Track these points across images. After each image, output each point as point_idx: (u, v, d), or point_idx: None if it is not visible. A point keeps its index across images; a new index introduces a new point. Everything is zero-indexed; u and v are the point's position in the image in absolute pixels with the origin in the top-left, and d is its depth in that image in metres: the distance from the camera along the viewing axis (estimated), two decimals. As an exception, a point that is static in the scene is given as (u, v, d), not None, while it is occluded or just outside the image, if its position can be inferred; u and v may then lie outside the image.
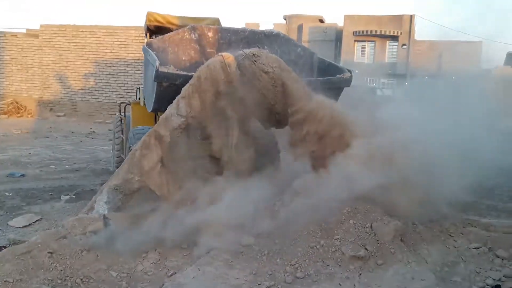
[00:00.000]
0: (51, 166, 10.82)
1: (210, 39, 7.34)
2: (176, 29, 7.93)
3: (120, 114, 9.89)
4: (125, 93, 22.04)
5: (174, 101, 5.73)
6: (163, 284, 4.30)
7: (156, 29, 8.78)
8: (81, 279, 4.37)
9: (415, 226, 5.43)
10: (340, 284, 4.33)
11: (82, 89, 22.53)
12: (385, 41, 40.85)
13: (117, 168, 8.53)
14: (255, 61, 5.67)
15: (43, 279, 4.21)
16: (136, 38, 21.84)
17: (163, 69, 5.93)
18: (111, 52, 22.13)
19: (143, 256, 4.89)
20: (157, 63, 5.86)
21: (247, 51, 5.83)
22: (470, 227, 5.72)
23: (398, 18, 39.65)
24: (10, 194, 7.88)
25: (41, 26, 22.44)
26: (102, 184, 8.88)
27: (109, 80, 22.35)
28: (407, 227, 5.35)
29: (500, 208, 6.59)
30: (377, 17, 39.96)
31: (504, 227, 5.69)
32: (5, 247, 5.42)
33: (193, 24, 7.50)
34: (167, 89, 6.03)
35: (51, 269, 4.39)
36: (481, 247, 5.26)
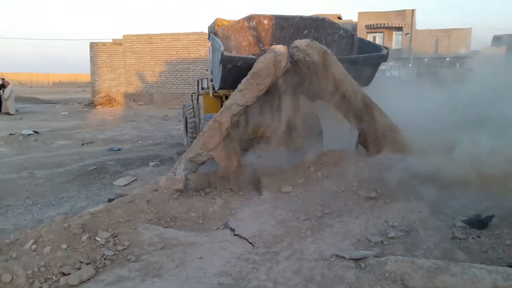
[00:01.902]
0: (139, 141, 11.32)
1: (266, 25, 6.94)
2: None
3: (193, 102, 9.92)
4: (188, 85, 22.36)
5: (233, 93, 5.62)
6: (228, 220, 4.52)
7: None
8: (170, 219, 4.61)
9: (414, 173, 5.35)
10: (357, 217, 4.46)
11: (156, 83, 22.99)
12: (391, 32, 39.67)
13: (191, 144, 9.07)
14: (308, 53, 5.33)
15: (144, 219, 4.48)
16: (195, 41, 22.02)
17: (227, 53, 5.71)
18: (177, 53, 22.40)
19: (212, 202, 5.11)
20: (222, 48, 5.65)
21: (300, 43, 5.42)
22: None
23: (402, 13, 38.39)
24: (112, 163, 8.36)
25: (124, 36, 22.89)
26: (178, 153, 9.34)
27: (176, 75, 22.70)
28: (408, 174, 5.31)
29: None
30: (384, 13, 38.82)
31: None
32: (113, 199, 5.84)
33: (251, 14, 7.06)
34: (231, 70, 5.77)
35: (149, 212, 4.64)
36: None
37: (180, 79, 22.60)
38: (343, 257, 3.50)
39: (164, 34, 22.51)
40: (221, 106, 8.02)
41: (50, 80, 63.58)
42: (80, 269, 3.44)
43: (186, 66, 22.34)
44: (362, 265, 3.39)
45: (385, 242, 3.92)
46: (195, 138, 8.96)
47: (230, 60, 5.71)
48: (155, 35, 22.59)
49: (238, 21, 6.95)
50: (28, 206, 6.02)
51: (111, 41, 23.75)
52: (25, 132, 12.35)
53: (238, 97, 5.54)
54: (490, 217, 4.34)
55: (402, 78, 31.41)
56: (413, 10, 38.11)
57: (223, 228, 4.33)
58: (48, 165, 8.36)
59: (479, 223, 4.26)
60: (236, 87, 6.95)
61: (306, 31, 6.97)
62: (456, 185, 5.19)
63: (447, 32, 38.43)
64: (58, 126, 14.56)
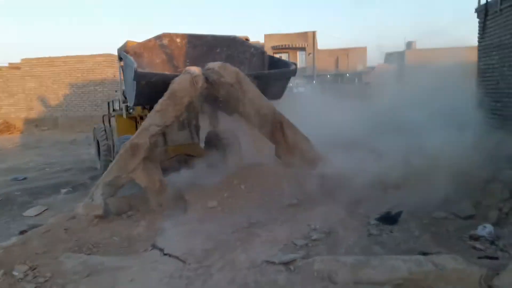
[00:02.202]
0: (46, 169, 10.51)
1: (178, 43, 6.92)
2: None
3: (104, 124, 9.50)
4: (96, 107, 21.34)
5: (151, 114, 5.57)
6: (155, 241, 4.44)
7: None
8: (92, 245, 4.43)
9: (329, 178, 5.72)
10: (282, 224, 4.66)
11: (60, 107, 21.58)
12: (296, 52, 41.97)
13: (105, 168, 7.99)
14: (222, 75, 5.52)
15: (64, 249, 4.25)
16: (101, 63, 21.18)
17: (140, 70, 5.65)
18: (82, 75, 21.31)
19: (135, 225, 4.99)
20: (135, 65, 5.58)
21: (213, 65, 5.63)
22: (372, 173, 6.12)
23: (304, 34, 41.03)
24: (19, 193, 7.67)
25: (22, 60, 21.22)
26: (90, 179, 8.91)
27: (83, 98, 21.54)
28: (324, 180, 5.69)
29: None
30: (288, 35, 41.20)
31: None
32: (26, 231, 5.40)
33: (163, 32, 6.94)
34: (145, 86, 5.71)
35: (68, 241, 4.43)
36: (376, 187, 5.64)
37: (87, 101, 21.48)
38: (273, 262, 3.65)
39: (67, 56, 21.27)
40: (136, 127, 7.90)
41: None
42: (-2, 308, 3.17)
43: (93, 88, 21.33)
44: (292, 267, 3.56)
45: (310, 244, 4.16)
46: (109, 161, 8.57)
47: (144, 76, 5.67)
48: (57, 57, 21.25)
49: (150, 40, 6.86)
50: None
51: (7, 65, 21.94)
52: None
53: (156, 118, 5.52)
54: (399, 213, 4.83)
55: (308, 94, 33.23)
56: (314, 32, 40.84)
57: (152, 249, 4.26)
58: None
59: (390, 219, 4.71)
60: (151, 103, 6.83)
61: (219, 49, 7.07)
62: (367, 187, 5.67)
63: (346, 51, 41.65)
64: (-51, 158, 13.00)
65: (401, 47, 40.91)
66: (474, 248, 4.11)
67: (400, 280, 3.15)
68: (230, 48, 7.06)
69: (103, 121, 9.66)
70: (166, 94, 5.51)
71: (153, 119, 5.53)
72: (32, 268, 3.79)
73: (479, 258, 3.71)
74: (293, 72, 6.59)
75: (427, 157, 5.84)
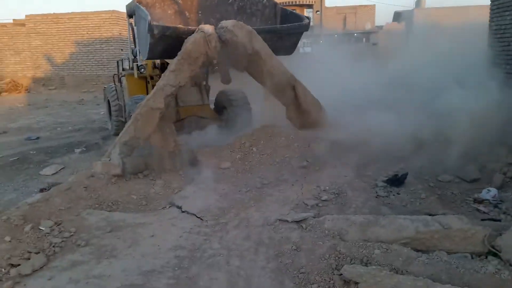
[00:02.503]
0: (58, 128, 10.66)
1: None
2: None
3: (115, 84, 9.38)
4: (103, 66, 21.31)
5: (165, 74, 5.58)
6: (172, 199, 4.63)
7: None
8: (112, 203, 4.60)
9: (338, 142, 5.89)
10: (293, 185, 4.86)
11: (67, 66, 21.50)
12: (303, 9, 40.97)
13: (116, 128, 8.79)
14: (235, 35, 5.47)
15: (85, 205, 4.44)
16: (107, 20, 20.88)
17: (154, 22, 5.59)
18: (87, 33, 21.08)
19: (152, 183, 5.14)
20: (149, 17, 5.53)
21: (227, 23, 5.55)
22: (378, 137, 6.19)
23: (312, -10, 39.95)
24: (34, 152, 7.86)
25: (26, 16, 20.91)
26: (102, 139, 9.09)
27: (88, 56, 21.41)
28: (332, 143, 5.86)
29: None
30: (296, -9, 40.10)
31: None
32: (45, 189, 5.61)
33: None
34: (159, 39, 5.67)
35: (89, 198, 4.60)
36: (383, 151, 5.79)
37: (93, 60, 21.38)
38: (286, 221, 3.84)
39: (72, 13, 20.97)
40: (146, 87, 8.02)
41: None
42: (29, 259, 3.40)
43: (99, 46, 21.17)
44: (304, 225, 3.76)
45: (320, 205, 4.35)
46: (120, 121, 8.82)
47: (158, 29, 5.57)
48: (62, 14, 20.97)
49: None
50: None
51: (11, 21, 21.70)
52: None
53: (171, 78, 5.56)
54: (405, 175, 4.98)
55: (315, 54, 32.82)
56: (322, -13, 39.71)
57: (170, 207, 4.47)
58: (-41, 159, 7.67)
59: (397, 182, 4.87)
60: (164, 57, 6.84)
61: (230, 0, 6.97)
62: (374, 151, 5.82)
63: (354, 9, 40.65)
64: (-40, 117, 13.19)
65: (410, 5, 39.80)
66: (478, 210, 4.29)
67: (408, 239, 3.34)
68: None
69: (114, 81, 9.63)
70: (180, 54, 5.53)
71: (168, 79, 5.56)
72: (58, 224, 4.00)
73: (483, 220, 3.88)
74: (307, 27, 6.49)
75: (438, 119, 5.95)
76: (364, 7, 39.97)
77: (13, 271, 3.23)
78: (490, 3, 10.51)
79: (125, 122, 8.50)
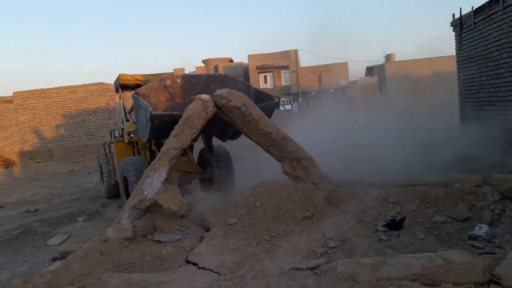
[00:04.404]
0: (55, 199, 10.76)
1: (179, 83, 7.77)
2: (142, 84, 8.31)
3: (105, 151, 10.22)
4: (90, 136, 21.66)
5: (169, 139, 6.15)
6: (187, 256, 4.78)
7: (124, 85, 9.10)
8: (128, 265, 4.74)
9: (335, 192, 6.23)
10: (300, 235, 5.10)
11: (55, 138, 21.79)
12: (280, 71, 42.94)
13: (108, 190, 9.79)
14: (229, 100, 6.26)
15: (103, 269, 4.56)
16: (94, 92, 21.56)
17: (154, 112, 6.38)
18: (75, 105, 21.64)
19: (163, 244, 5.31)
20: (150, 108, 6.26)
21: (221, 91, 6.32)
22: (371, 187, 6.72)
23: (286, 53, 42.04)
24: (37, 224, 7.94)
25: (14, 93, 21.47)
26: (102, 206, 9.23)
27: (76, 127, 21.83)
28: (330, 193, 6.18)
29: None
30: (271, 54, 42.15)
31: (393, 183, 6.73)
32: (57, 257, 5.74)
33: (166, 75, 7.87)
34: (157, 124, 6.48)
35: (105, 262, 4.73)
36: (378, 199, 6.21)
37: (81, 131, 21.75)
38: (301, 268, 4.07)
39: (60, 87, 21.62)
40: (133, 151, 8.90)
41: None
42: (62, 324, 3.51)
43: (87, 117, 21.65)
44: (318, 271, 3.99)
45: (328, 252, 4.60)
46: (111, 184, 9.71)
47: (157, 117, 6.45)
48: (50, 89, 21.60)
49: (156, 82, 7.71)
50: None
51: (-2, 98, 22.16)
52: None
53: (174, 142, 6.13)
54: (403, 219, 5.31)
55: (295, 111, 34.11)
56: (296, 50, 41.84)
57: (186, 265, 4.63)
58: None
59: (396, 225, 5.18)
60: (161, 137, 7.48)
61: (212, 85, 7.95)
62: (370, 200, 6.19)
63: (327, 68, 42.81)
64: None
65: (380, 60, 42.17)
66: (474, 246, 4.60)
67: (415, 275, 3.61)
68: (222, 84, 7.86)
69: (104, 148, 10.49)
70: (182, 119, 6.20)
71: (171, 143, 6.12)
72: (81, 288, 4.13)
73: (480, 254, 4.20)
74: (277, 105, 7.54)
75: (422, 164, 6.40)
76: (337, 64, 42.15)
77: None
78: (456, 55, 11.48)
79: (115, 184, 9.17)
